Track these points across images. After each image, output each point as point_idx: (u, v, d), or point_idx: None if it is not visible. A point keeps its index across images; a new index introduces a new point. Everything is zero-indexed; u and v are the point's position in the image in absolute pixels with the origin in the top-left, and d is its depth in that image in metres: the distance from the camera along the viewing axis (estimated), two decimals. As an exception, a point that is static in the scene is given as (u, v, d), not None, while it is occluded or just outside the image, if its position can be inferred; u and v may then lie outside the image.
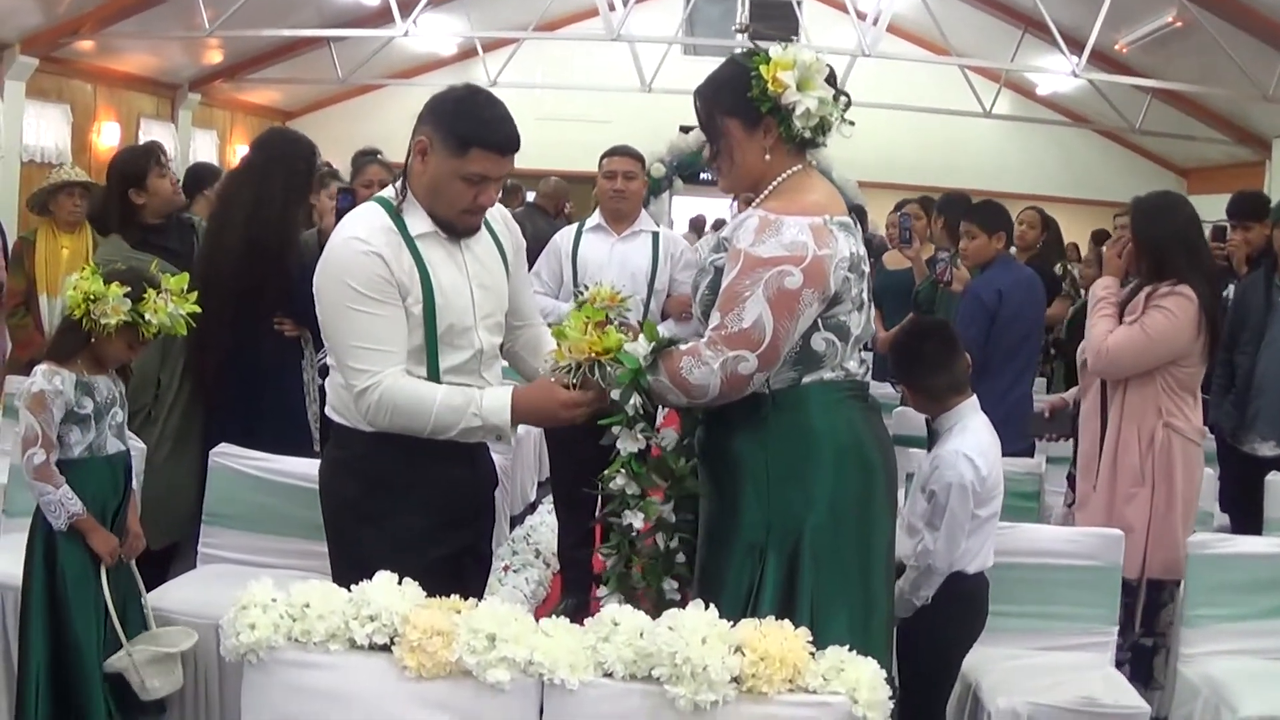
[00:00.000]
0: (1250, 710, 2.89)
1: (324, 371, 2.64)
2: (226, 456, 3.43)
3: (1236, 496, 4.21)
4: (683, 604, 2.25)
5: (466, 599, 2.08)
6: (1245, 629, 3.17)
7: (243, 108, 12.66)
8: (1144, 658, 3.52)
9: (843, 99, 2.33)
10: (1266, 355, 4.19)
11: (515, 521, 5.41)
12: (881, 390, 3.84)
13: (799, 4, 9.78)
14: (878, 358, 4.26)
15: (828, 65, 2.32)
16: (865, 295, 2.34)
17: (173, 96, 11.03)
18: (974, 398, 2.90)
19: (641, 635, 1.96)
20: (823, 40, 9.56)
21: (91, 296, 2.82)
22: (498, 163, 2.37)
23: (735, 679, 1.91)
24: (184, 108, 11.17)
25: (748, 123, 2.31)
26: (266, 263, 3.49)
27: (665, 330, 2.36)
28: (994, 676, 2.94)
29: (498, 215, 2.59)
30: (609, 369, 2.28)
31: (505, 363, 2.72)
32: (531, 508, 5.77)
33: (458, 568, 2.49)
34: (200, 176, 5.41)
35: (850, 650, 1.99)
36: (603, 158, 4.40)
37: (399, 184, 2.44)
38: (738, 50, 3.12)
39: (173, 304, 2.90)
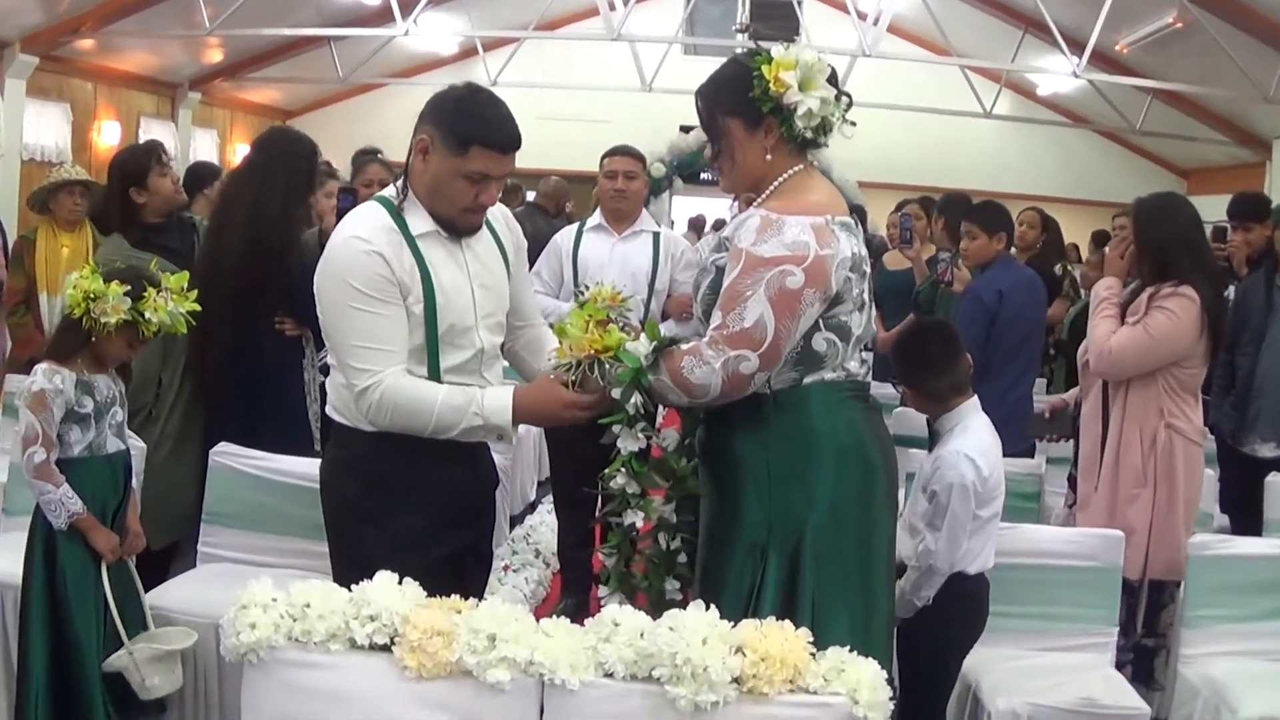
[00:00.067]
0: (1250, 711, 2.89)
1: (325, 370, 2.64)
2: (226, 456, 3.42)
3: (1237, 498, 4.21)
4: (684, 604, 2.25)
5: (467, 599, 2.07)
6: (1245, 630, 3.17)
7: (243, 107, 12.66)
8: (1146, 659, 3.52)
9: (844, 99, 2.32)
10: (1267, 356, 4.19)
11: (515, 521, 5.41)
12: (882, 390, 3.83)
13: (799, 4, 9.78)
14: (878, 358, 4.26)
15: (829, 65, 2.32)
16: (866, 295, 2.34)
17: (173, 95, 11.04)
18: (975, 398, 2.90)
19: (642, 635, 1.95)
20: (823, 40, 9.56)
21: (91, 295, 2.82)
22: (499, 161, 2.36)
23: (736, 679, 1.91)
24: (184, 107, 11.18)
25: (749, 123, 2.30)
26: (268, 262, 3.49)
27: (666, 330, 2.36)
28: (994, 677, 2.94)
29: (499, 215, 2.59)
30: (609, 367, 2.27)
31: (506, 363, 2.72)
32: (531, 507, 5.77)
33: (458, 567, 2.49)
34: (200, 176, 5.41)
35: (851, 651, 1.99)
36: (604, 157, 4.39)
37: (400, 183, 2.44)
38: (738, 50, 3.12)
39: (173, 302, 2.90)
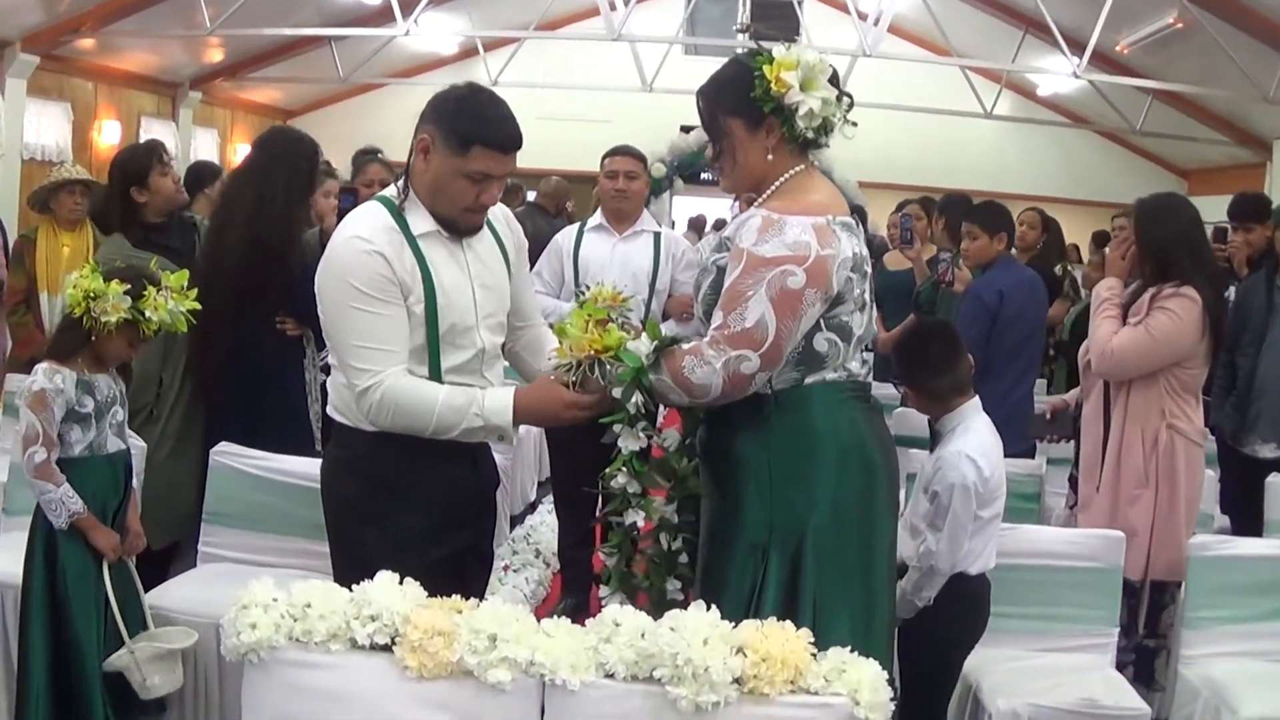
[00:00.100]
0: (1250, 712, 2.89)
1: (327, 370, 2.64)
2: (227, 455, 3.42)
3: (1237, 498, 4.21)
4: (685, 604, 2.25)
5: (468, 599, 2.07)
6: (1246, 631, 3.17)
7: (244, 106, 12.66)
8: (1147, 659, 3.52)
9: (846, 100, 2.32)
10: (1268, 357, 4.19)
11: (515, 521, 5.41)
12: (882, 391, 3.83)
13: (800, 4, 9.78)
14: (878, 358, 4.26)
15: (831, 66, 2.31)
16: (868, 296, 2.34)
17: (173, 95, 11.04)
18: (977, 399, 2.90)
19: (643, 636, 1.95)
20: (824, 40, 9.56)
21: (91, 294, 2.82)
22: (500, 161, 2.36)
23: (737, 680, 1.91)
24: (185, 106, 11.18)
25: (750, 123, 2.30)
26: (269, 261, 3.49)
27: (666, 330, 2.36)
28: (995, 678, 2.94)
29: (500, 215, 2.59)
30: (609, 367, 2.27)
31: (506, 363, 2.72)
32: (532, 507, 5.77)
33: (459, 568, 2.49)
34: (201, 175, 5.41)
35: (852, 651, 1.99)
36: (605, 157, 4.39)
37: (401, 183, 2.44)
38: (739, 50, 3.12)
39: (173, 301, 2.90)
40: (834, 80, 2.30)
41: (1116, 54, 9.91)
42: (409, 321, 2.36)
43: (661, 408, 2.57)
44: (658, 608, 2.38)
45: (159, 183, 3.75)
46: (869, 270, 2.35)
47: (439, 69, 12.96)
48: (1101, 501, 3.52)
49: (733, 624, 1.97)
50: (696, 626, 1.93)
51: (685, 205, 12.59)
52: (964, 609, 2.80)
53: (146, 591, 3.04)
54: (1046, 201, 8.42)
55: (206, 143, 11.68)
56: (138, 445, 3.24)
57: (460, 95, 2.39)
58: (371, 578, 2.07)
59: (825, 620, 2.18)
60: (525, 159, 2.50)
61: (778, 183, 2.33)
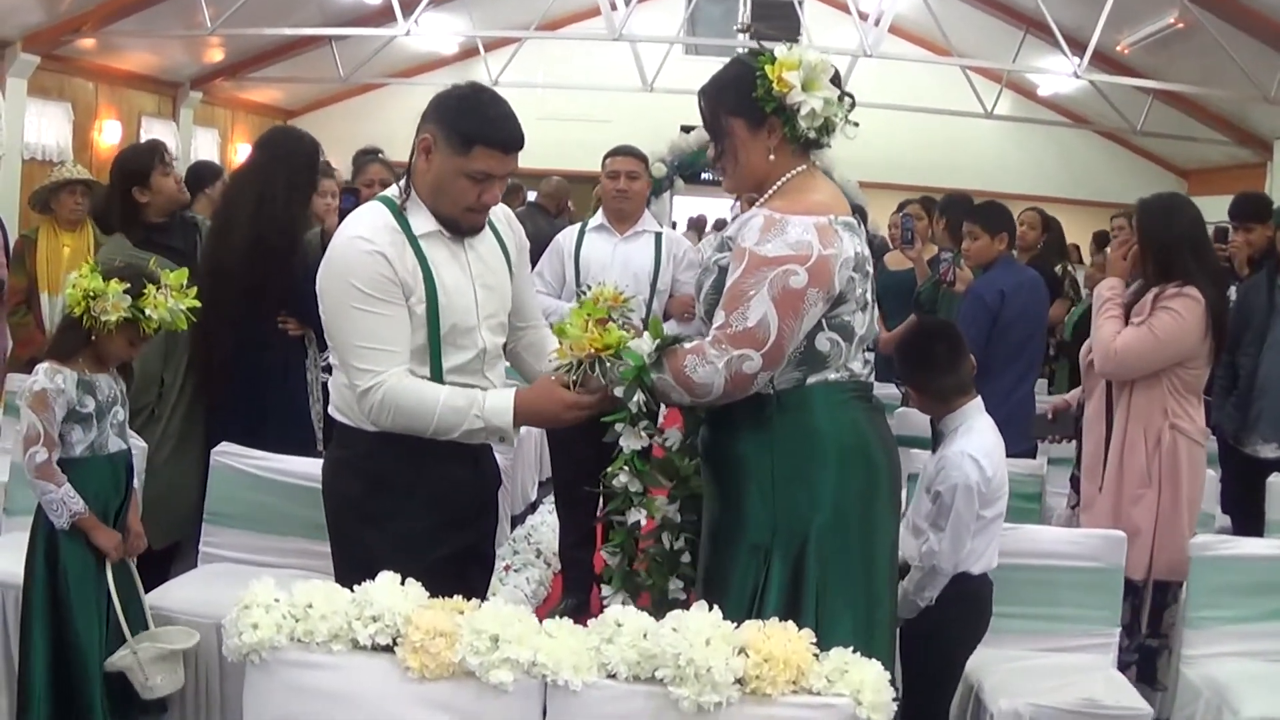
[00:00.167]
0: (1251, 712, 2.88)
1: (329, 370, 2.64)
2: (228, 455, 3.42)
3: (1238, 498, 4.21)
4: (688, 604, 2.25)
5: (469, 599, 2.07)
6: (1247, 631, 3.17)
7: (244, 106, 12.66)
8: (1150, 659, 3.52)
9: (847, 100, 2.32)
10: (1269, 357, 4.19)
11: (516, 521, 5.41)
12: (884, 391, 3.82)
13: (801, 4, 9.78)
14: (880, 358, 4.26)
15: (833, 66, 2.31)
16: (869, 295, 2.34)
17: (174, 95, 11.04)
18: (979, 399, 2.89)
19: (645, 636, 1.95)
20: (824, 40, 9.56)
21: (91, 294, 2.82)
22: (501, 161, 2.36)
23: (739, 680, 1.91)
24: (185, 106, 11.18)
25: (752, 123, 2.30)
26: (270, 262, 3.49)
27: (668, 330, 2.35)
28: (996, 678, 2.94)
29: (501, 215, 2.58)
30: (610, 366, 2.27)
31: (508, 363, 2.71)
32: (532, 507, 5.77)
33: (461, 568, 2.48)
34: (201, 175, 5.40)
35: (854, 651, 1.99)
36: (606, 157, 4.39)
37: (402, 183, 2.43)
38: (739, 50, 3.12)
39: (173, 299, 2.90)
40: (835, 80, 2.30)
41: (1117, 54, 9.91)
42: (410, 322, 2.36)
43: (662, 407, 2.57)
44: (660, 607, 2.38)
45: (160, 183, 3.74)
46: (870, 270, 2.35)
47: (439, 69, 12.96)
48: (1104, 501, 3.52)
49: (735, 624, 1.97)
50: (699, 627, 1.93)
51: (686, 205, 12.60)
52: (966, 609, 2.80)
53: (147, 592, 3.04)
54: (1047, 201, 8.42)
55: (207, 143, 11.68)
56: (139, 445, 3.24)
57: (462, 95, 2.38)
58: (373, 578, 2.06)
59: (828, 620, 2.18)
60: (526, 159, 2.50)
61: (779, 182, 2.33)
